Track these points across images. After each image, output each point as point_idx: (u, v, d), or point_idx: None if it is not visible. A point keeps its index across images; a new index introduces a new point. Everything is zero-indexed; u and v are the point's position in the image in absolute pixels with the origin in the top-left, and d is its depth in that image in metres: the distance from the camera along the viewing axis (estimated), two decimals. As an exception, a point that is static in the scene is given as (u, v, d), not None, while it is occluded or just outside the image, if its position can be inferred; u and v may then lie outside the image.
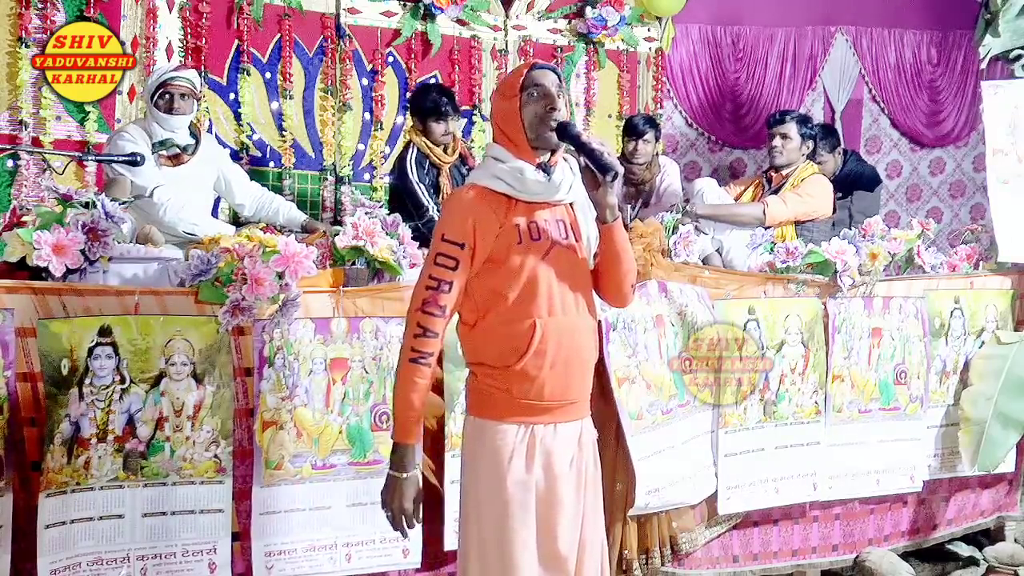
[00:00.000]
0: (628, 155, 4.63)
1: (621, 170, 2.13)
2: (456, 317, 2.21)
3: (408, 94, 5.23)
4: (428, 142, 4.34)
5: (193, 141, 3.71)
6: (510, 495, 2.11)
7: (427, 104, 4.34)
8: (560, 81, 2.17)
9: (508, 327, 2.11)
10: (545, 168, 2.14)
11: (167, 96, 3.60)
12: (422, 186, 4.27)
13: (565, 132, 2.12)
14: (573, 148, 2.13)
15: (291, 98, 5.00)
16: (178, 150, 3.64)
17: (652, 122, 4.79)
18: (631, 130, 4.67)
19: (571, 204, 2.22)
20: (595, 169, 2.08)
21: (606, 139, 5.66)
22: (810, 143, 4.44)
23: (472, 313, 2.17)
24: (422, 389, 2.10)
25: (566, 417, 2.18)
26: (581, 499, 2.21)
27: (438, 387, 2.96)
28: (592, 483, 2.25)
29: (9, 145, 4.00)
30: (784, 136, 4.34)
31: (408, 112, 4.59)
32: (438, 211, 4.25)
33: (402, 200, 4.33)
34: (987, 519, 4.22)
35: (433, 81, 5.20)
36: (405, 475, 2.13)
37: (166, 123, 3.61)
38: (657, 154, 4.83)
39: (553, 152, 2.16)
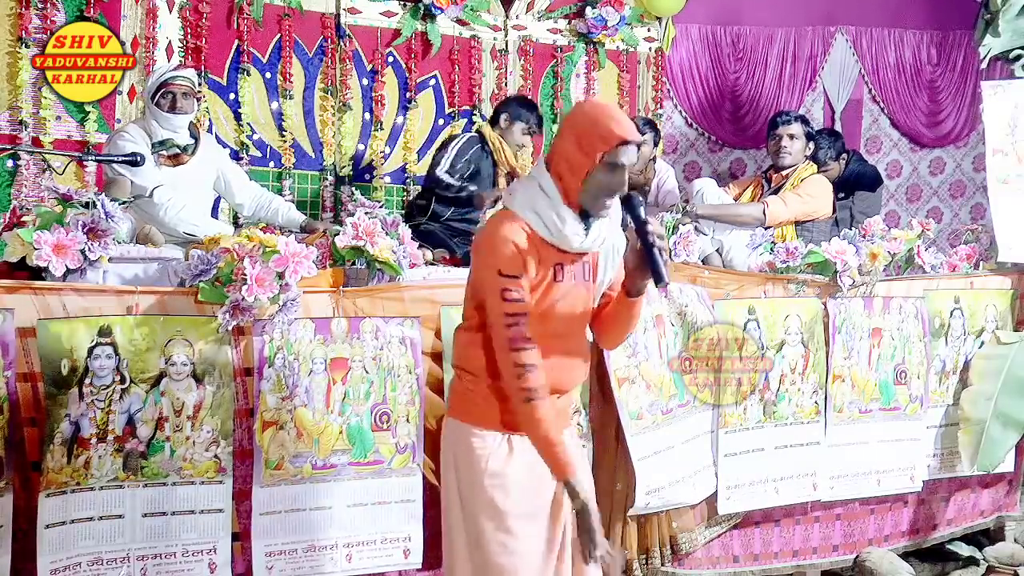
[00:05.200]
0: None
1: (670, 281, 2.13)
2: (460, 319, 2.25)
3: (407, 93, 5.25)
4: (503, 139, 4.45)
5: (193, 141, 3.70)
6: (490, 500, 2.13)
7: (525, 112, 4.50)
8: (638, 153, 2.14)
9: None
10: (586, 223, 2.10)
11: (169, 95, 3.59)
12: (456, 153, 4.33)
13: (632, 211, 2.07)
14: (634, 228, 2.07)
15: (291, 98, 5.00)
16: (178, 150, 3.64)
17: (652, 125, 4.81)
18: None
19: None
20: (649, 270, 2.05)
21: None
22: (811, 144, 4.45)
23: (476, 322, 2.16)
24: (551, 419, 2.07)
25: None
26: (562, 508, 2.20)
27: (438, 387, 2.96)
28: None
29: (9, 145, 4.00)
30: (792, 136, 4.35)
31: (498, 108, 4.65)
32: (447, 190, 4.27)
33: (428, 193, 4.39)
34: (987, 519, 4.22)
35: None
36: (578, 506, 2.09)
37: (168, 122, 3.61)
38: (654, 158, 4.84)
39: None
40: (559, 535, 2.21)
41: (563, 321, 2.15)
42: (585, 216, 2.11)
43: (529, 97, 5.16)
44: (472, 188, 4.26)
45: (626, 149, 2.05)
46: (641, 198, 2.11)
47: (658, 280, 2.05)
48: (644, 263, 2.06)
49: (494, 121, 4.50)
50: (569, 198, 2.09)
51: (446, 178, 4.27)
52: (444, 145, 4.48)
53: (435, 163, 4.38)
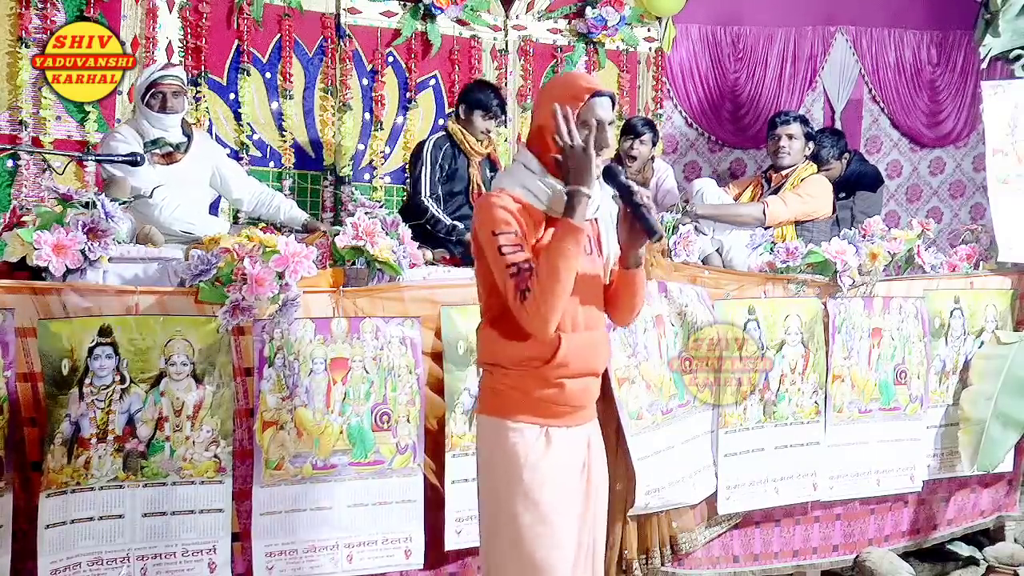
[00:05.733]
0: (624, 153, 4.66)
1: (663, 233, 2.11)
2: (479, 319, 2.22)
3: (407, 93, 5.25)
4: (464, 130, 4.39)
5: (185, 139, 3.70)
6: (527, 493, 2.10)
7: (480, 97, 4.42)
8: (614, 109, 2.13)
9: (531, 335, 2.08)
10: None
11: (159, 95, 3.59)
12: (429, 166, 4.31)
13: (614, 180, 2.07)
14: (619, 195, 2.08)
15: (291, 98, 5.00)
16: (171, 148, 3.64)
17: (650, 125, 4.82)
18: (629, 130, 4.71)
19: (595, 219, 2.20)
20: (641, 228, 2.06)
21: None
22: (811, 144, 4.45)
23: (496, 313, 2.15)
24: (541, 268, 2.00)
25: (578, 420, 2.19)
26: (591, 504, 2.20)
27: (438, 387, 2.96)
28: (602, 485, 2.26)
29: (9, 145, 4.00)
30: (791, 136, 4.35)
31: (457, 100, 4.61)
32: (437, 204, 4.25)
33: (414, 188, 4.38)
34: (986, 519, 4.22)
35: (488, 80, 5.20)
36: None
37: (159, 122, 3.60)
38: (652, 157, 4.85)
39: None
40: (589, 526, 2.20)
41: (579, 296, 2.12)
42: None
43: (486, 80, 5.06)
44: (457, 224, 4.23)
45: (600, 101, 2.08)
46: (620, 167, 2.10)
47: (651, 234, 2.05)
48: (635, 227, 2.06)
49: (457, 115, 4.49)
50: (557, 169, 2.09)
51: (433, 208, 4.24)
52: (416, 157, 4.42)
53: (415, 182, 4.35)
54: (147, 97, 3.60)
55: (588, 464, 2.21)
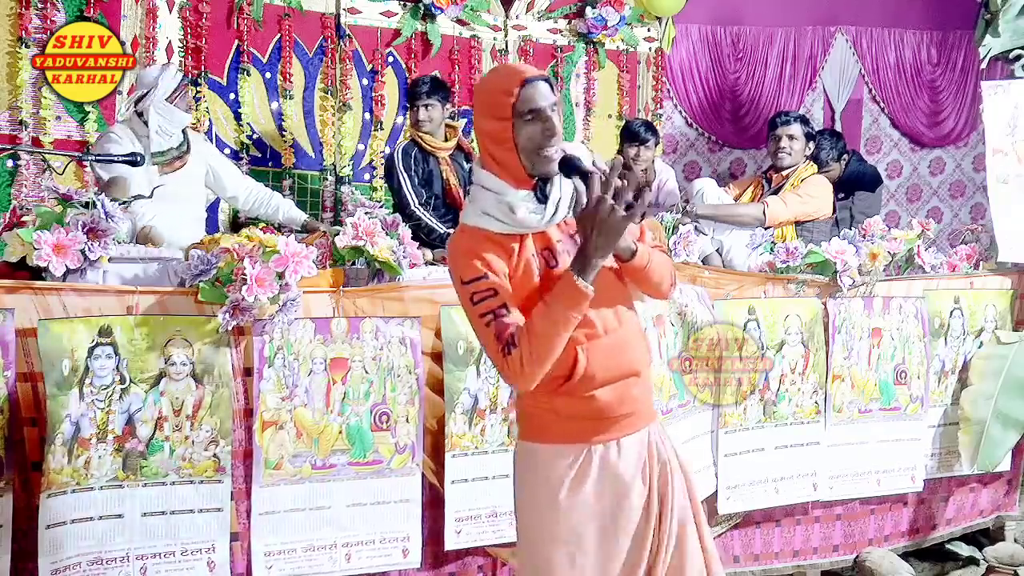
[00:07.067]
0: (629, 160, 4.65)
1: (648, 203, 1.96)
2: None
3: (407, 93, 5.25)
4: (419, 131, 4.35)
5: (183, 138, 3.74)
6: (562, 524, 1.96)
7: (417, 89, 4.35)
8: (553, 90, 1.91)
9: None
10: (541, 193, 1.92)
11: (186, 94, 3.71)
12: (406, 176, 4.26)
13: (577, 171, 1.89)
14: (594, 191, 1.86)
15: (291, 98, 5.00)
16: (177, 154, 3.68)
17: (652, 128, 4.81)
18: (633, 137, 4.67)
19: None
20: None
21: (607, 139, 5.67)
22: (811, 144, 4.45)
23: None
24: (537, 324, 1.84)
25: (626, 430, 2.00)
26: (654, 510, 2.02)
27: (438, 387, 2.96)
28: (675, 482, 2.05)
29: (9, 145, 4.00)
30: (791, 137, 4.36)
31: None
32: (424, 208, 4.23)
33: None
34: (986, 518, 4.23)
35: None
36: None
37: (182, 119, 3.68)
38: (653, 159, 4.84)
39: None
40: (645, 555, 2.00)
41: (594, 299, 1.89)
42: (542, 189, 1.92)
43: (416, 77, 4.87)
44: (439, 226, 4.18)
45: (532, 88, 1.88)
46: (579, 157, 1.91)
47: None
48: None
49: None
50: (514, 177, 1.92)
51: (425, 217, 4.17)
52: (390, 171, 4.35)
53: (399, 196, 4.28)
54: (175, 96, 3.66)
55: (649, 471, 2.02)
